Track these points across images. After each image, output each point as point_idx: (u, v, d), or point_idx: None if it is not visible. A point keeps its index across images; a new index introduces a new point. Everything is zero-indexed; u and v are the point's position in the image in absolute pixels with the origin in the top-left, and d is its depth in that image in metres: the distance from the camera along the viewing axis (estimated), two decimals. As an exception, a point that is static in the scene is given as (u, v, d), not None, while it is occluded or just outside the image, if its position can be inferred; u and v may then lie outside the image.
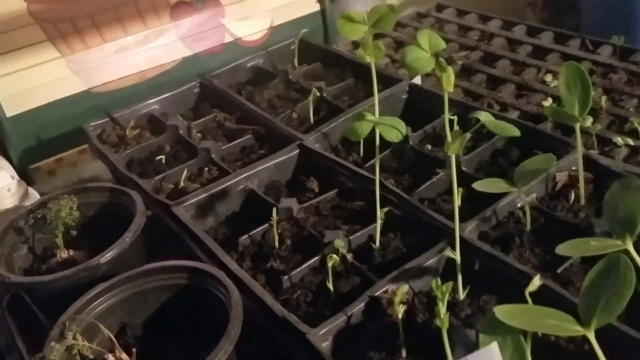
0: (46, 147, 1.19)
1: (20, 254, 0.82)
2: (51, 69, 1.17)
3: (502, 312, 0.51)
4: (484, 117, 0.59)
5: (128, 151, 0.99)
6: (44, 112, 1.16)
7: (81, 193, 0.85)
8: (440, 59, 0.52)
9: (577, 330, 0.50)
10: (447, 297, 0.51)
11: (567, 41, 1.28)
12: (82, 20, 1.20)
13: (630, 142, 0.87)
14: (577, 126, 0.71)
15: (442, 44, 0.54)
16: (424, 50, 0.53)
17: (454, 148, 0.57)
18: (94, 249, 0.79)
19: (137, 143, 1.01)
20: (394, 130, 0.62)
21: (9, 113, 1.13)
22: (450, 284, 0.51)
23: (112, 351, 0.62)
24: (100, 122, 1.07)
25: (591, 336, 0.50)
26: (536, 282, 0.53)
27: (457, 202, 0.62)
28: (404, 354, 0.62)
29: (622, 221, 0.56)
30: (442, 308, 0.50)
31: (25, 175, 1.15)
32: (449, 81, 0.53)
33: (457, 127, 0.94)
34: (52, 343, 0.58)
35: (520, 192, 0.72)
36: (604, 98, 1.03)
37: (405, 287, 0.60)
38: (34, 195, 1.03)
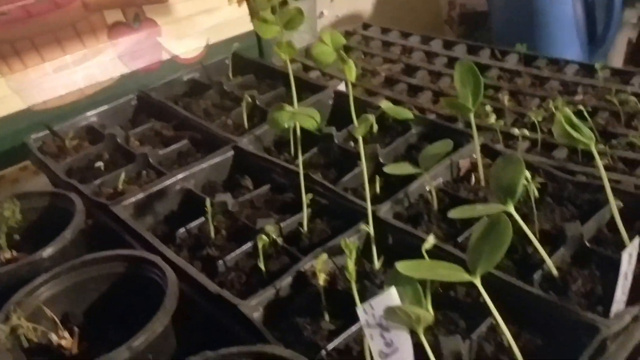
0: (-12, 164, 1.21)
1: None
2: (-8, 88, 1.21)
3: (403, 266, 0.59)
4: (384, 105, 0.68)
5: (68, 160, 1.03)
6: (-15, 130, 1.19)
7: (23, 199, 0.88)
8: (341, 52, 0.61)
9: (464, 277, 0.59)
10: (354, 253, 0.58)
11: (479, 52, 1.41)
12: (21, 42, 1.24)
13: (526, 133, 0.99)
14: (471, 116, 0.81)
15: (342, 41, 0.63)
16: (327, 46, 0.62)
17: (360, 130, 0.66)
18: (36, 250, 0.82)
19: (76, 152, 1.06)
20: (310, 119, 0.71)
21: (-49, 132, 1.16)
22: (356, 242, 0.59)
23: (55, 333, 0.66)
24: (41, 135, 1.11)
25: (477, 282, 0.59)
26: (430, 241, 0.62)
27: (366, 181, 0.71)
28: (326, 317, 0.70)
29: (504, 188, 0.66)
30: (350, 263, 0.58)
31: (-33, 193, 1.17)
32: (350, 72, 0.62)
33: (375, 124, 1.04)
34: (-2, 323, 0.62)
35: (427, 176, 0.82)
36: (506, 98, 1.15)
37: (324, 256, 0.68)
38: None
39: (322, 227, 0.84)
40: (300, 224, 0.85)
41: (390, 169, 0.79)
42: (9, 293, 0.72)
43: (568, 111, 0.65)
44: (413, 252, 0.75)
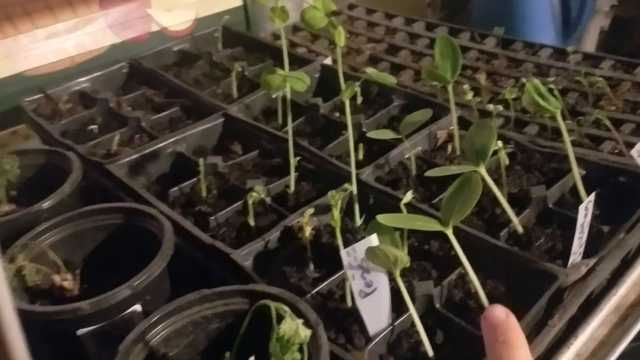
0: (-22, 127, 1.23)
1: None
2: (-17, 52, 1.23)
3: (382, 217, 0.65)
4: (370, 70, 0.73)
5: (62, 122, 1.07)
6: (-23, 92, 1.21)
7: (20, 155, 0.92)
8: (332, 18, 0.66)
9: (438, 227, 0.65)
10: (339, 203, 0.64)
11: (459, 34, 1.47)
12: (13, 7, 1.26)
13: (500, 108, 1.05)
14: (450, 87, 0.87)
15: (333, 6, 0.68)
16: (319, 11, 0.67)
17: (346, 94, 0.71)
18: (32, 205, 0.86)
19: (70, 115, 1.09)
20: (300, 81, 0.76)
21: (-59, 93, 1.18)
22: (342, 193, 0.65)
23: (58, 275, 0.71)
24: (35, 97, 1.14)
25: (449, 232, 0.65)
26: (408, 196, 0.68)
27: (352, 144, 0.76)
28: (311, 267, 0.75)
29: (477, 151, 0.72)
30: (335, 211, 0.63)
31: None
32: (340, 37, 0.67)
33: (360, 96, 1.10)
34: (3, 264, 0.66)
35: (407, 143, 0.88)
36: (483, 78, 1.22)
37: (310, 210, 0.73)
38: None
39: (308, 188, 0.90)
40: (287, 186, 0.91)
41: (373, 134, 0.84)
42: (9, 242, 0.76)
43: (536, 81, 0.71)
44: (392, 211, 0.82)
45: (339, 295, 0.71)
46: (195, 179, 0.92)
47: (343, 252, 0.61)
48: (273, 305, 0.53)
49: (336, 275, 0.72)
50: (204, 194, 0.90)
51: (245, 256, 0.75)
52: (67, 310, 0.64)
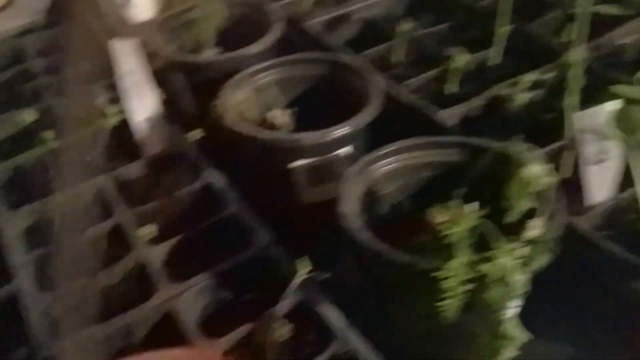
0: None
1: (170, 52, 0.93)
2: None
3: (620, 87, 0.60)
4: None
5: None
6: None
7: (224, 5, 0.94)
8: None
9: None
10: (581, 66, 0.59)
11: None
12: None
13: None
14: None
15: None
16: None
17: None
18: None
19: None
20: None
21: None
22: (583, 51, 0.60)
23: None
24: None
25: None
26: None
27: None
28: (520, 137, 0.72)
29: None
30: (575, 69, 0.59)
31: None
32: None
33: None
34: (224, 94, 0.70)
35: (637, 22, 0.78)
36: None
37: (525, 80, 0.69)
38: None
39: (512, 62, 0.85)
40: (488, 58, 0.86)
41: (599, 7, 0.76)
42: (216, 83, 0.78)
43: None
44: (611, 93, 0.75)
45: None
46: (389, 43, 0.90)
47: (576, 115, 0.57)
48: (520, 147, 0.52)
49: (548, 148, 0.68)
50: (399, 58, 0.88)
51: (449, 118, 0.73)
52: (287, 140, 0.66)
